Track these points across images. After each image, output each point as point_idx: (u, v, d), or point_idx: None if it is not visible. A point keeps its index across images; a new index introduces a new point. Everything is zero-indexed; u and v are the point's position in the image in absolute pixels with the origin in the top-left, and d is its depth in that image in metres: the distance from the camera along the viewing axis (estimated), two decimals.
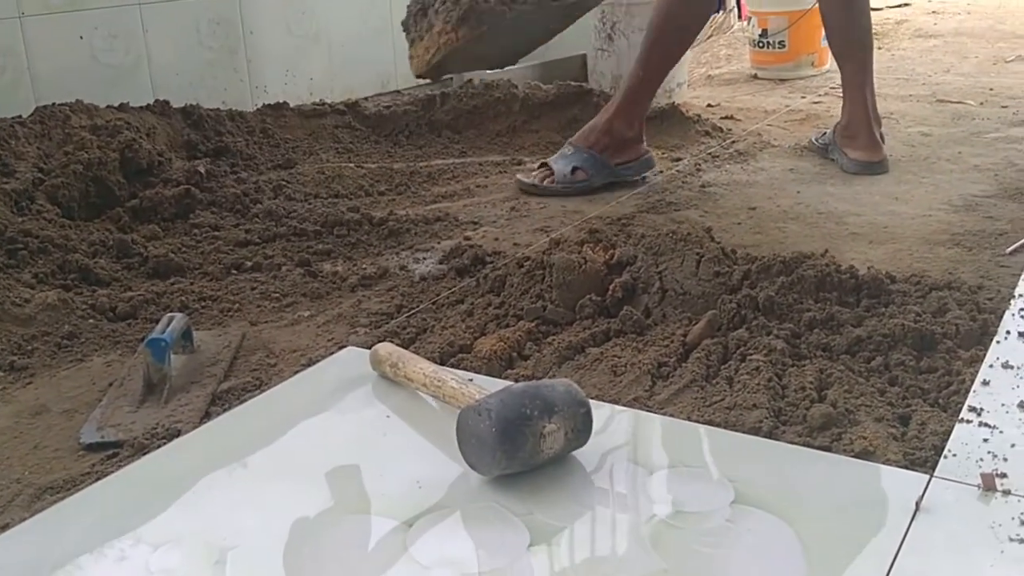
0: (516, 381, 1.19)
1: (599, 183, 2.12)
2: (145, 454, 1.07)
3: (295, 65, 2.75)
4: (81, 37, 2.27)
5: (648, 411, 1.12)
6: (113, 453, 1.10)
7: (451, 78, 3.09)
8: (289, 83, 2.73)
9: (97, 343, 1.40)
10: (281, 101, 2.60)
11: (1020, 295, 1.35)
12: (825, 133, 2.37)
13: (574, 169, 2.13)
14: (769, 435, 1.05)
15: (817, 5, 2.35)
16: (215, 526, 0.91)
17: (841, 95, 2.29)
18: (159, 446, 1.09)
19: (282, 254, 1.72)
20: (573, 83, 2.78)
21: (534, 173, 2.15)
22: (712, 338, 1.26)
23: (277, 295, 1.55)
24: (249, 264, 1.67)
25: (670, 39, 2.17)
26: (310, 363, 1.28)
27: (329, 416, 1.13)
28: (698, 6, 2.18)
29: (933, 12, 4.95)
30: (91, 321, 1.45)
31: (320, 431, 1.10)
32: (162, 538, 0.90)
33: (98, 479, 1.03)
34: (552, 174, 2.12)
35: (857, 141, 2.20)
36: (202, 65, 2.52)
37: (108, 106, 2.21)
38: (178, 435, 1.11)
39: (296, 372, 1.26)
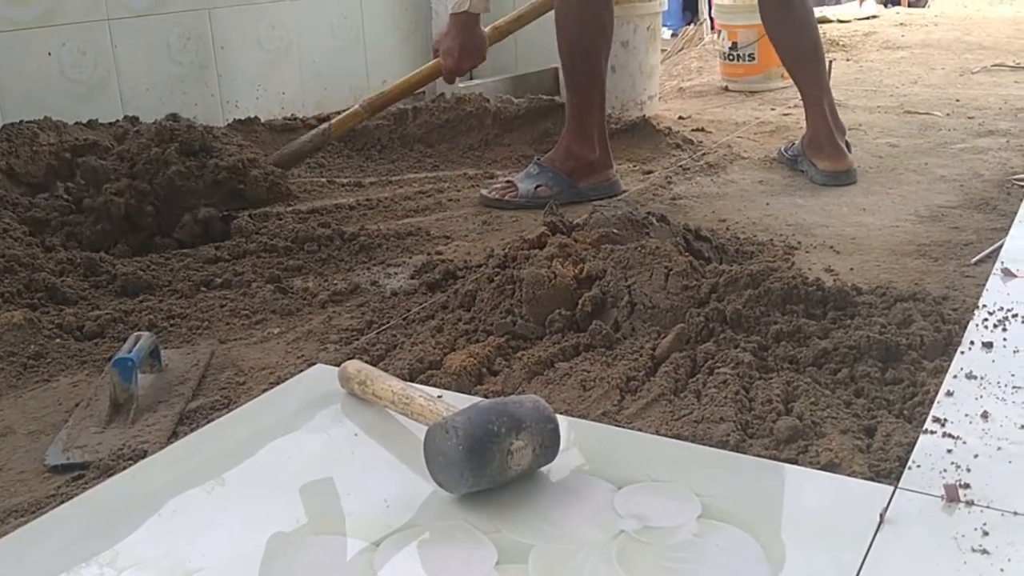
0: (485, 397, 1.19)
1: (562, 202, 2.12)
2: (111, 475, 1.06)
3: (266, 80, 2.75)
4: (49, 53, 2.25)
5: (616, 426, 1.12)
6: (79, 475, 1.09)
7: (423, 92, 3.10)
8: (260, 98, 2.72)
9: (64, 363, 1.38)
10: (252, 116, 2.61)
11: (984, 306, 1.37)
12: (793, 144, 2.39)
13: (537, 187, 2.14)
14: (736, 448, 1.05)
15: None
16: (181, 548, 0.91)
17: None
18: (125, 467, 1.08)
19: (252, 271, 1.71)
20: (545, 97, 2.80)
21: (496, 187, 2.17)
22: (681, 351, 1.27)
23: (247, 312, 1.55)
24: (219, 281, 1.67)
25: (581, 65, 2.15)
26: (279, 381, 1.28)
27: (297, 435, 1.12)
28: (592, 24, 2.14)
29: (901, 24, 5.01)
30: (58, 341, 1.44)
31: (288, 450, 1.09)
32: (128, 561, 0.89)
33: (63, 501, 1.02)
34: (512, 190, 2.14)
35: (823, 152, 2.22)
36: (172, 80, 2.51)
37: (77, 123, 2.20)
38: (144, 456, 1.10)
39: (265, 390, 1.26)
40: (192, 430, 1.17)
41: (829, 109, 2.24)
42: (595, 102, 2.19)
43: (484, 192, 2.17)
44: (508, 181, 2.18)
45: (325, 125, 2.39)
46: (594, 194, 2.16)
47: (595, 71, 2.17)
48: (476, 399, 1.15)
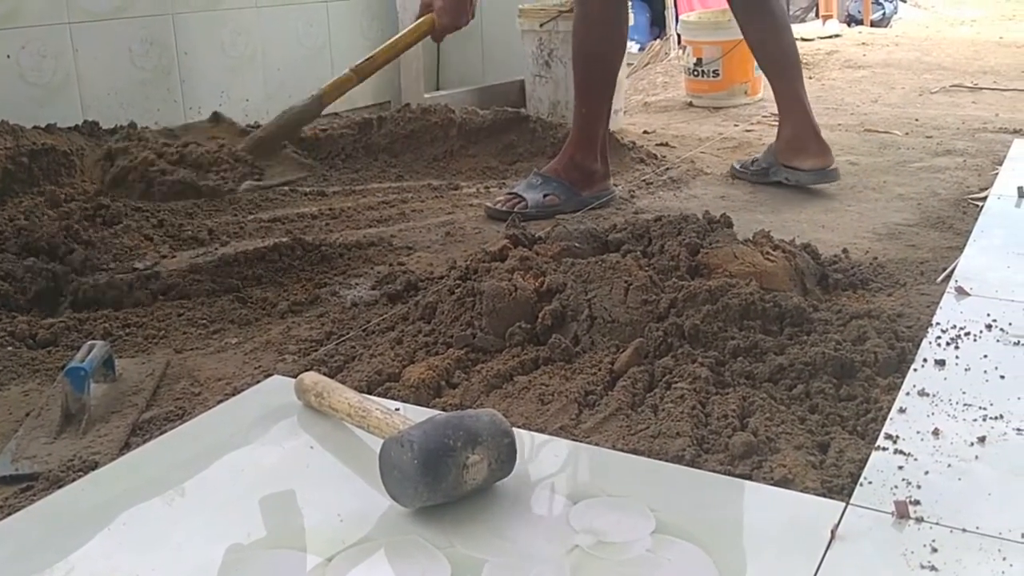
0: (444, 410, 1.19)
1: (569, 210, 2.14)
2: (61, 487, 1.05)
3: (230, 87, 2.73)
4: (8, 56, 2.22)
5: (573, 440, 1.12)
6: (28, 486, 1.07)
7: (389, 101, 3.09)
8: (224, 104, 2.70)
9: (15, 371, 1.36)
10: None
11: (937, 324, 1.39)
12: (755, 160, 2.41)
13: (545, 196, 2.15)
14: (692, 463, 1.06)
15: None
16: (132, 562, 0.89)
17: (775, 124, 2.34)
18: (75, 479, 1.06)
19: (211, 279, 1.70)
20: (510, 109, 2.80)
21: (500, 200, 2.16)
22: (639, 366, 1.27)
23: (204, 322, 1.53)
24: (176, 290, 1.65)
25: (594, 71, 2.18)
26: (235, 392, 1.27)
27: (251, 447, 1.11)
28: (610, 33, 2.17)
29: (862, 43, 5.08)
30: (9, 349, 1.42)
31: (242, 463, 1.08)
32: None
33: (10, 513, 1.00)
34: (521, 201, 2.14)
35: (808, 151, 2.24)
36: (134, 85, 2.48)
37: (35, 127, 2.17)
38: (95, 467, 1.09)
39: (220, 401, 1.24)
40: (145, 441, 1.15)
41: (810, 107, 2.28)
42: (604, 113, 2.22)
43: (489, 205, 2.16)
44: (512, 193, 2.18)
45: (316, 92, 2.38)
46: (594, 201, 2.18)
47: (609, 81, 2.21)
48: (434, 412, 1.15)
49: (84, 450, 1.13)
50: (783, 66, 2.27)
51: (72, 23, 2.33)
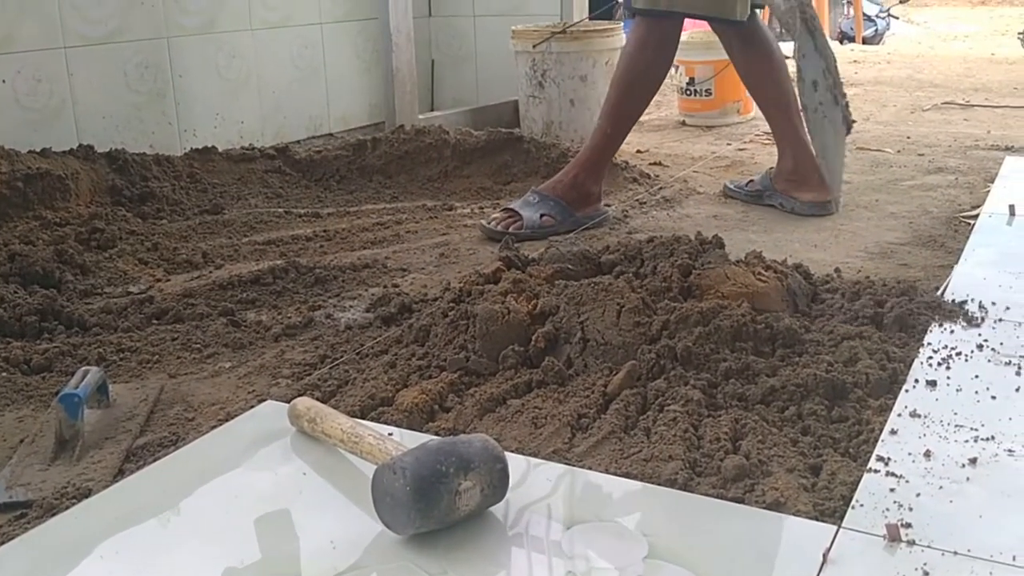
0: (437, 435, 1.19)
1: (564, 231, 2.15)
2: (54, 515, 1.05)
3: (225, 109, 2.74)
4: (3, 80, 2.23)
5: (566, 463, 1.12)
6: (21, 514, 1.07)
7: (383, 122, 3.11)
8: (219, 127, 2.72)
9: (9, 397, 1.36)
10: (210, 145, 2.59)
11: (928, 344, 1.39)
12: (751, 181, 2.42)
13: (542, 215, 2.16)
14: (684, 487, 1.06)
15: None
16: None
17: (768, 142, 2.36)
18: (69, 506, 1.06)
19: (205, 303, 1.70)
20: (504, 129, 2.82)
21: (495, 219, 2.17)
22: (632, 388, 1.28)
23: (198, 346, 1.54)
24: (170, 314, 1.65)
25: (638, 91, 2.21)
26: (229, 417, 1.27)
27: (245, 473, 1.11)
28: (662, 60, 2.22)
29: (855, 61, 5.12)
30: (3, 375, 1.42)
31: (235, 489, 1.08)
32: None
33: (4, 541, 1.00)
34: (517, 220, 2.14)
35: (808, 183, 2.26)
36: (129, 109, 2.49)
37: (30, 151, 2.18)
38: (89, 494, 1.09)
39: (214, 426, 1.25)
40: (139, 468, 1.15)
41: (809, 142, 2.29)
42: (621, 138, 2.26)
43: (485, 224, 2.17)
44: (508, 210, 2.19)
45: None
46: (588, 222, 2.19)
47: (644, 106, 2.27)
48: (427, 437, 1.15)
49: (78, 477, 1.13)
50: (778, 100, 2.29)
51: (67, 48, 2.34)
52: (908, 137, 3.15)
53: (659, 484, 1.06)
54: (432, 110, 3.56)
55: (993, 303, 1.55)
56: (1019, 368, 1.31)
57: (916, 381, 1.27)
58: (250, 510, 1.03)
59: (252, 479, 1.10)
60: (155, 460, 1.16)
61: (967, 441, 1.13)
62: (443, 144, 2.68)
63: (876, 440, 1.13)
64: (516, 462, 1.09)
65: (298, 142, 2.92)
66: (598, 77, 2.95)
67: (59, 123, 2.34)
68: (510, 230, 2.11)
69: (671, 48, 2.22)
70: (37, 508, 1.07)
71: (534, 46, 2.98)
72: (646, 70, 2.20)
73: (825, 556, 0.91)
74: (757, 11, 2.31)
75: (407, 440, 1.10)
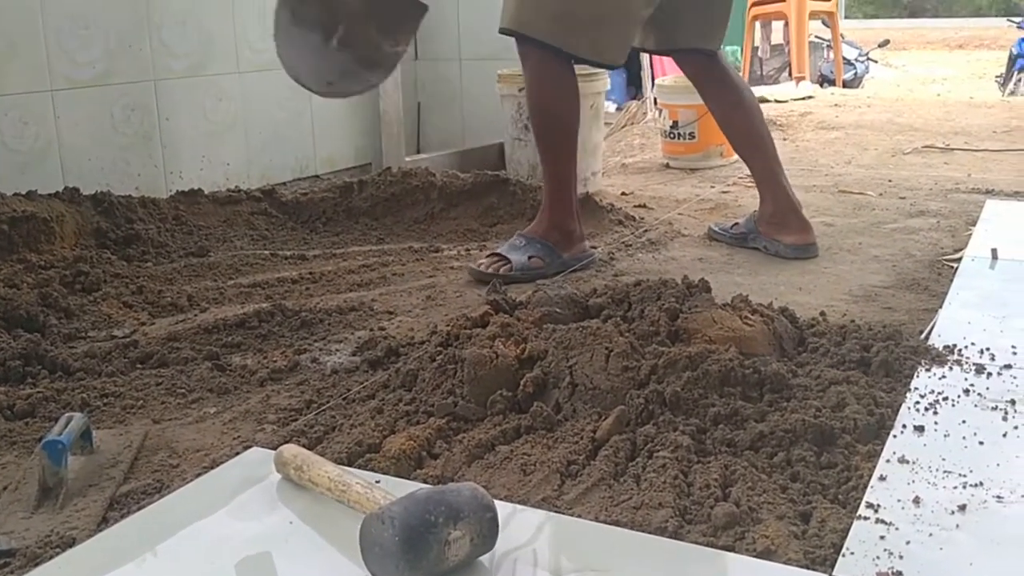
0: (425, 482, 1.18)
1: (552, 272, 2.15)
2: (38, 564, 1.03)
3: (211, 151, 2.75)
4: None
5: (556, 511, 1.12)
6: (4, 563, 1.05)
7: (369, 163, 3.12)
8: (205, 169, 2.72)
9: None
10: (196, 188, 2.59)
11: (915, 388, 1.40)
12: (736, 224, 2.44)
13: (530, 257, 2.16)
14: (674, 535, 1.05)
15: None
16: None
17: (751, 185, 2.38)
18: (52, 555, 1.05)
19: (190, 347, 1.69)
20: (490, 172, 2.84)
21: (483, 263, 2.17)
22: (621, 434, 1.27)
23: (183, 391, 1.52)
24: (155, 358, 1.64)
25: (555, 131, 2.19)
26: (214, 464, 1.26)
27: (230, 522, 1.10)
28: (563, 91, 2.17)
29: (835, 105, 5.18)
30: None
31: (220, 539, 1.07)
32: None
33: None
34: (505, 263, 2.15)
35: (790, 227, 2.29)
36: (115, 151, 2.49)
37: (16, 193, 2.18)
38: (73, 543, 1.07)
39: (199, 474, 1.23)
40: (123, 515, 1.14)
41: (787, 184, 2.32)
42: (572, 173, 2.23)
43: (473, 267, 2.16)
44: (495, 254, 2.19)
45: None
46: (576, 264, 2.20)
47: (571, 138, 2.19)
48: (415, 485, 1.14)
49: (61, 525, 1.12)
50: (755, 145, 2.33)
51: (54, 90, 2.35)
52: (890, 180, 3.19)
53: (649, 532, 1.06)
54: (418, 152, 3.58)
55: (978, 347, 1.56)
56: (1006, 413, 1.32)
57: (904, 426, 1.28)
58: (235, 559, 1.02)
59: (237, 528, 1.09)
60: (139, 508, 1.15)
61: (956, 487, 1.13)
62: (430, 186, 2.69)
63: (865, 486, 1.13)
64: (505, 510, 1.09)
65: (284, 184, 2.92)
66: (583, 121, 2.97)
67: (45, 165, 2.34)
68: (500, 272, 2.11)
69: (566, 71, 2.15)
70: (20, 557, 1.06)
71: (519, 89, 3.00)
72: (554, 103, 2.16)
73: None
74: (721, 54, 2.34)
75: (395, 488, 1.09)
